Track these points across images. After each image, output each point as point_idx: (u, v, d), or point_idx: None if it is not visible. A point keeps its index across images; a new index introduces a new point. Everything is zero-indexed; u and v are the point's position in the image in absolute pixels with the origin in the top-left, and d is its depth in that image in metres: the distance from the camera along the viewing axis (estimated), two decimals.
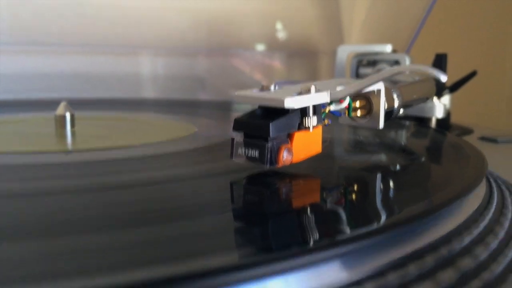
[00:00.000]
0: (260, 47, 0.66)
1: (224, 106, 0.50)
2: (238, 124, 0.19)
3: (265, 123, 0.18)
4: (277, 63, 0.67)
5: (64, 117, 0.32)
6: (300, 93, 0.19)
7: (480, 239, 0.16)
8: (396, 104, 0.25)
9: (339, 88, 0.20)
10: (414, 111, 0.41)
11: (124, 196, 0.17)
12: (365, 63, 0.49)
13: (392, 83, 0.26)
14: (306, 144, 0.20)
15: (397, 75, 0.25)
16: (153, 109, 0.50)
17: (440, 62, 0.44)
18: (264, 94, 0.19)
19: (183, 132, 0.31)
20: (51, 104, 0.33)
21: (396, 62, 0.47)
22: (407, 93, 0.27)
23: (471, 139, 0.41)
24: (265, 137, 0.18)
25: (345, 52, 0.50)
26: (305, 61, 0.70)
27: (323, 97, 0.19)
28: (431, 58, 0.46)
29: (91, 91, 0.56)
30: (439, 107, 0.41)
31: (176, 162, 0.23)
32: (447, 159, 0.27)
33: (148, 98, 0.60)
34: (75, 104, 0.33)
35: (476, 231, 0.17)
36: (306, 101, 0.19)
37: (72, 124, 0.32)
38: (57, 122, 0.32)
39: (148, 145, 0.27)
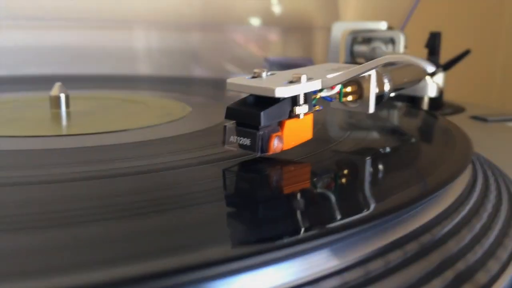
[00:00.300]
0: (255, 22, 0.66)
1: (218, 84, 0.50)
2: (230, 112, 0.19)
3: (257, 112, 0.18)
4: (272, 38, 0.67)
5: (58, 97, 0.32)
6: (291, 82, 0.19)
7: (463, 225, 0.17)
8: (386, 88, 0.25)
9: (330, 76, 0.20)
10: (406, 90, 0.41)
11: (116, 184, 0.17)
12: (360, 40, 0.49)
13: (383, 67, 0.26)
14: (297, 131, 0.20)
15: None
16: (147, 87, 0.50)
17: (434, 40, 0.44)
18: (255, 82, 0.19)
19: (178, 113, 0.31)
20: (44, 82, 0.33)
21: (391, 40, 0.47)
22: (398, 77, 0.27)
23: (463, 117, 0.41)
24: (256, 125, 0.18)
25: (340, 29, 0.49)
26: (301, 36, 0.69)
27: (314, 85, 0.20)
28: (426, 35, 0.46)
29: (84, 66, 0.56)
30: (432, 86, 0.41)
31: (171, 148, 0.23)
32: (433, 144, 0.27)
33: (142, 75, 0.60)
34: (68, 81, 0.33)
35: (460, 216, 0.17)
36: (297, 89, 0.19)
37: (67, 105, 0.32)
38: (51, 103, 0.32)
39: (143, 129, 0.27)
